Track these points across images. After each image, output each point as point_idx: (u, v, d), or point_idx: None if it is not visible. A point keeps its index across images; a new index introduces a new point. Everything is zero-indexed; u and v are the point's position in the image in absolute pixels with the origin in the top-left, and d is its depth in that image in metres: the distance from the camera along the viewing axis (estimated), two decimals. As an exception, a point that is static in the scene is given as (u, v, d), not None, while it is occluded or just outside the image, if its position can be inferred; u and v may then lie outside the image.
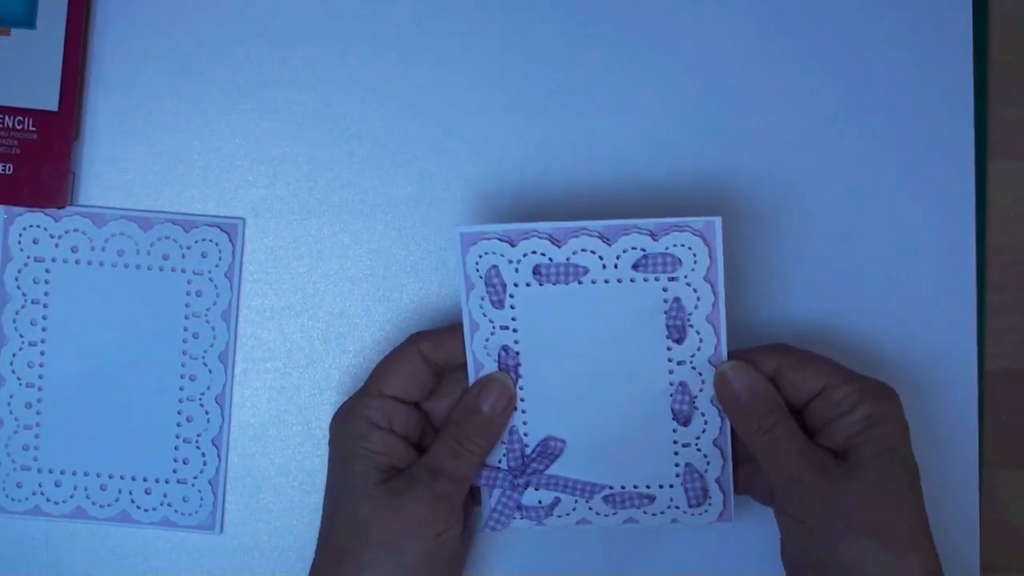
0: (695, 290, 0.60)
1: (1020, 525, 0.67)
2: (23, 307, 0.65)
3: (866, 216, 0.66)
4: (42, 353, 0.65)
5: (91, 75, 0.66)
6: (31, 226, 0.65)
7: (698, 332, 0.60)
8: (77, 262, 0.66)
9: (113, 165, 0.66)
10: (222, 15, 0.67)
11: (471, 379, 0.61)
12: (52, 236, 0.65)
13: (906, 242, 0.66)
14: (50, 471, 0.66)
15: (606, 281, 0.60)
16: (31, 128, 0.64)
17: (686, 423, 0.61)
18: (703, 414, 0.61)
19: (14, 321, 0.65)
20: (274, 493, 0.66)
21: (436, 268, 0.66)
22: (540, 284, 0.60)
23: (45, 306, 0.65)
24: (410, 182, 0.67)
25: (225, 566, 0.66)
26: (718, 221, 0.59)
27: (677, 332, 0.60)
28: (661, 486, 0.62)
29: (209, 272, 0.66)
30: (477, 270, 0.60)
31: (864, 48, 0.67)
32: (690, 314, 0.60)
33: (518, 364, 0.61)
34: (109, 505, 0.66)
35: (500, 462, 0.62)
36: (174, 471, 0.66)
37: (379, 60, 0.67)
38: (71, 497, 0.66)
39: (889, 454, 0.57)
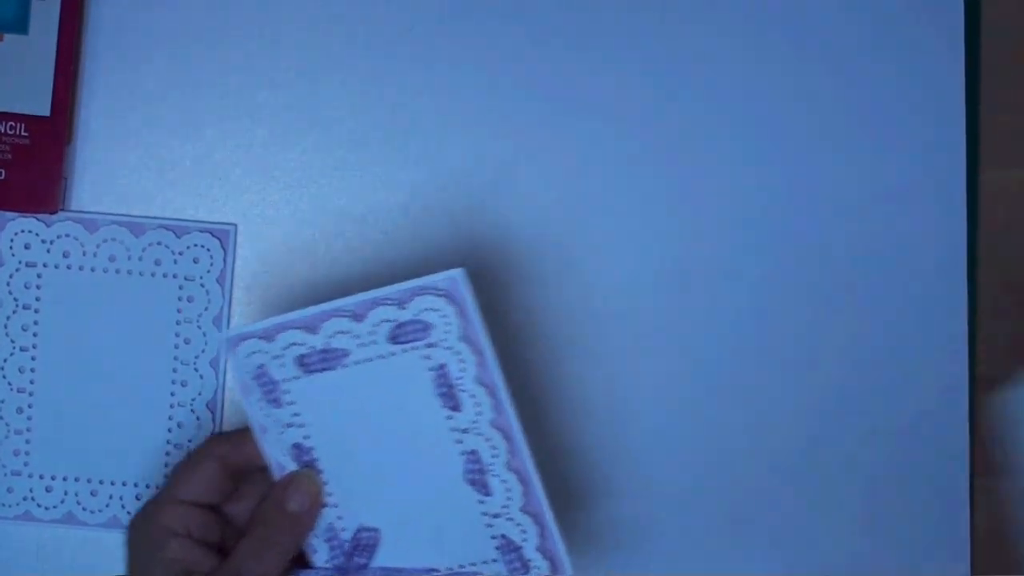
0: (457, 353, 0.57)
1: (1011, 532, 0.67)
2: (14, 312, 0.65)
3: (855, 223, 0.66)
4: (33, 358, 0.65)
5: (83, 80, 0.66)
6: (23, 231, 0.65)
7: (472, 396, 0.57)
8: (69, 267, 0.66)
9: (105, 170, 0.66)
10: (214, 21, 0.67)
11: (275, 478, 0.59)
12: (44, 241, 0.66)
13: (896, 248, 0.66)
14: (40, 476, 0.66)
15: (369, 360, 0.57)
16: (23, 133, 0.64)
17: (488, 493, 0.58)
18: (504, 481, 0.58)
19: (5, 326, 0.65)
20: (265, 499, 0.66)
21: (427, 274, 0.66)
22: (308, 374, 0.58)
23: (36, 311, 0.65)
24: (402, 188, 0.67)
25: (215, 572, 0.66)
26: (460, 274, 0.56)
27: (450, 399, 0.57)
28: (486, 562, 0.59)
29: (201, 278, 0.66)
30: (247, 372, 0.58)
31: (855, 54, 0.67)
32: (459, 378, 0.57)
33: (314, 460, 0.58)
34: (100, 511, 0.66)
35: (327, 562, 0.59)
36: (165, 477, 0.66)
37: (371, 66, 0.67)
38: (62, 502, 0.66)
39: None
